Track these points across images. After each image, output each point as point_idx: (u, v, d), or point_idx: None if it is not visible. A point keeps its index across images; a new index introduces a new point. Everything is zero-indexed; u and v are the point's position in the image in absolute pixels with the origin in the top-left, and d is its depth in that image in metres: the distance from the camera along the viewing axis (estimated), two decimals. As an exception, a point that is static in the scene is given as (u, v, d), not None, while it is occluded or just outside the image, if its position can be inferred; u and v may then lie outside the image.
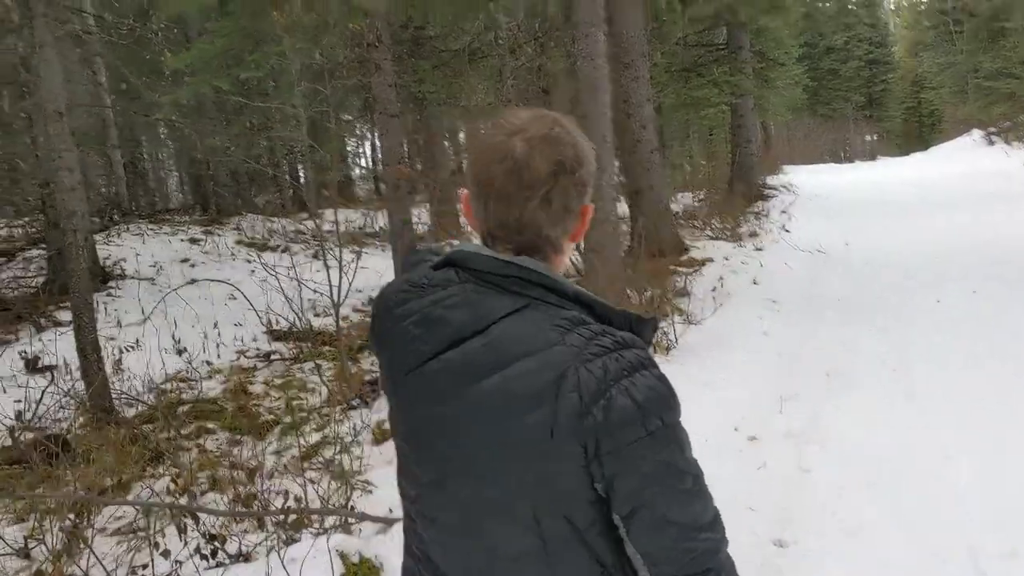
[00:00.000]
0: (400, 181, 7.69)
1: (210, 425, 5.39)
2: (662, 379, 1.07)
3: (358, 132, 20.99)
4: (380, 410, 5.21)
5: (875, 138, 52.02)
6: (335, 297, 5.91)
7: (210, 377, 6.76)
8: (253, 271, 9.71)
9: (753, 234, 10.96)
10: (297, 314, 7.38)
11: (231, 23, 7.30)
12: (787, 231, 11.17)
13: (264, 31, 6.88)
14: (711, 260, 9.24)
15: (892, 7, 63.91)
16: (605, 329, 1.08)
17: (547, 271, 1.12)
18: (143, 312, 8.42)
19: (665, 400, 1.06)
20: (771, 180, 17.78)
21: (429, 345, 1.13)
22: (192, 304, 8.52)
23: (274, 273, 6.65)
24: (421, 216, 13.41)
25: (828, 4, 51.82)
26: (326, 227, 11.18)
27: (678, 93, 13.62)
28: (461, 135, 17.73)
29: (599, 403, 1.02)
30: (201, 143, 10.23)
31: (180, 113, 10.73)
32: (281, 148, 13.10)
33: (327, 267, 6.87)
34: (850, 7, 51.96)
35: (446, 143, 17.17)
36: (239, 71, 6.62)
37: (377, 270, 8.96)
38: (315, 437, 4.78)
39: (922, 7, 43.57)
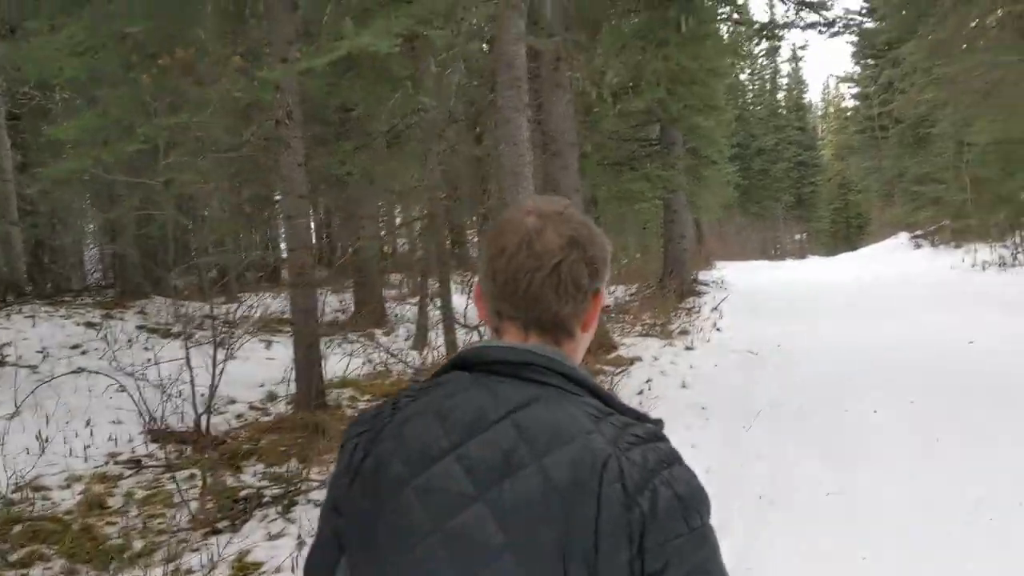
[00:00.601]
0: (305, 267, 7.08)
1: (47, 549, 4.55)
2: (696, 476, 1.01)
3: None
4: (248, 535, 4.47)
5: (804, 237, 53.45)
6: (201, 393, 5.19)
7: (68, 485, 5.89)
8: (149, 360, 8.88)
9: (684, 332, 10.57)
10: (195, 411, 6.59)
11: (127, 92, 6.71)
12: (718, 330, 10.82)
13: (160, 100, 6.30)
14: (639, 359, 8.77)
15: (820, 113, 66.85)
16: (629, 421, 1.01)
17: (565, 359, 1.05)
18: (15, 403, 7.51)
19: (704, 497, 1.00)
20: (703, 276, 17.65)
21: (443, 440, 1.00)
22: (72, 396, 7.66)
23: (135, 372, 5.89)
24: (345, 302, 12.77)
25: (759, 108, 54.02)
26: (240, 312, 10.43)
27: (610, 187, 13.44)
28: (392, 217, 17.29)
29: (644, 494, 0.94)
30: (99, 217, 9.49)
31: (81, 185, 10.00)
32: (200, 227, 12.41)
33: (213, 359, 6.17)
34: (780, 111, 54.14)
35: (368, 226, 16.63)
36: (127, 144, 6.01)
37: (284, 362, 8.25)
38: (160, 572, 3.99)
39: (849, 113, 45.39)
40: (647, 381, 7.75)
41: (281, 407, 7.55)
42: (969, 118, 18.94)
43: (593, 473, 0.94)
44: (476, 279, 1.14)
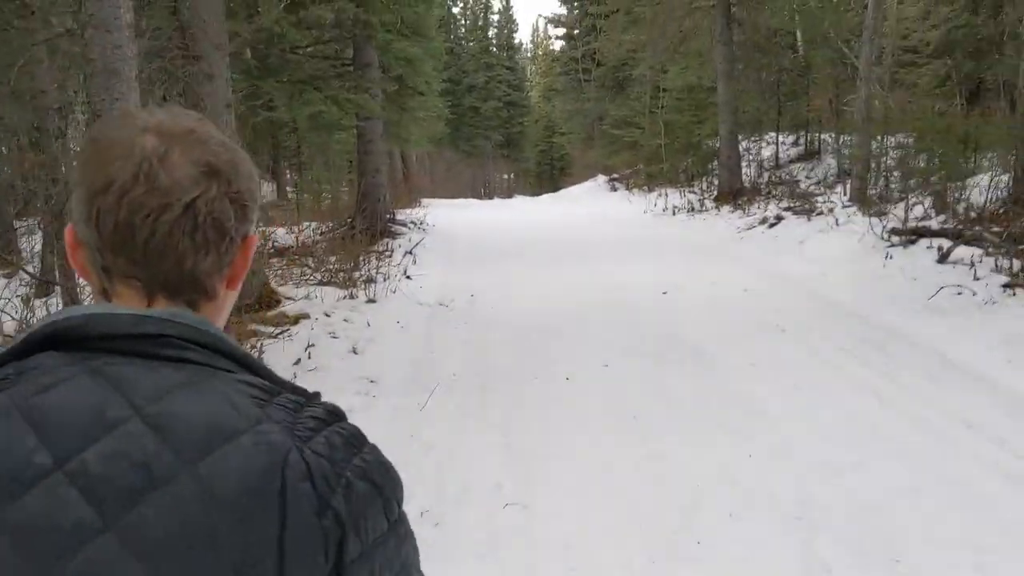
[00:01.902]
0: None
1: None
2: (382, 454, 0.81)
3: None
4: None
5: (512, 176, 54.46)
6: None
7: None
8: None
9: (369, 280, 9.18)
10: None
11: None
12: (408, 277, 9.57)
13: None
14: (307, 317, 7.25)
15: (529, 55, 68.15)
16: (299, 399, 0.78)
17: (208, 325, 0.79)
18: None
19: (398, 480, 0.81)
20: (405, 215, 16.39)
21: (41, 454, 0.69)
22: None
23: None
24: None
25: (471, 44, 53.60)
26: None
27: (291, 108, 11.57)
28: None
29: (337, 493, 0.73)
30: None
31: None
32: None
33: None
34: (491, 49, 54.15)
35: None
36: None
37: None
38: None
39: (556, 55, 46.24)
40: (309, 347, 6.27)
41: None
42: (665, 63, 19.25)
43: (272, 476, 0.71)
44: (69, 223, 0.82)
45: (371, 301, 8.18)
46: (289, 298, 7.87)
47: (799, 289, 8.76)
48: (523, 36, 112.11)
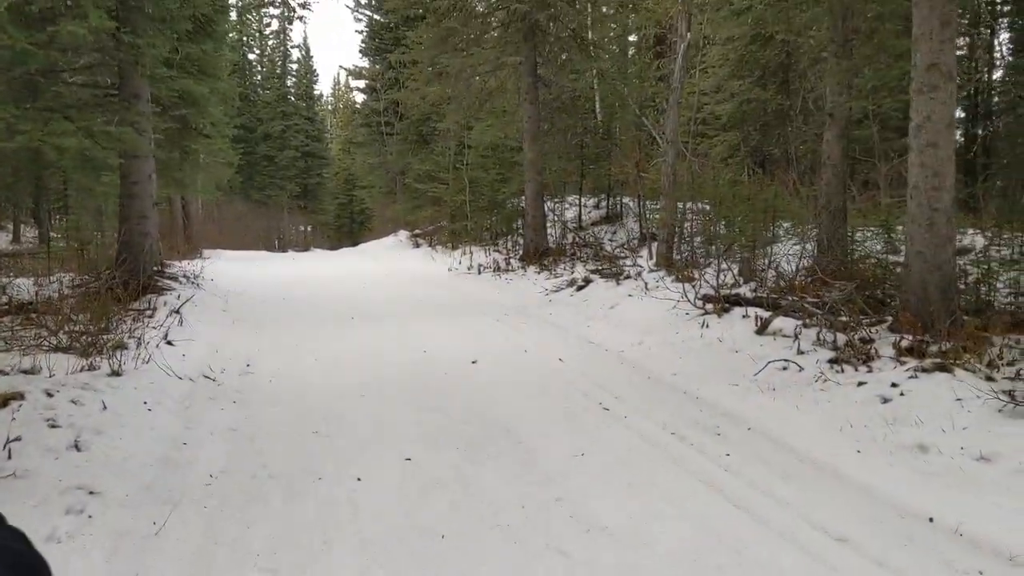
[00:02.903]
0: None
1: None
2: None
3: None
4: None
5: (309, 229, 52.31)
6: None
7: None
8: None
9: (120, 346, 7.52)
10: None
11: None
12: (170, 343, 7.98)
13: None
14: (19, 397, 5.58)
15: (330, 108, 66.63)
16: None
17: None
18: None
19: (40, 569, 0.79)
20: (181, 267, 14.51)
21: None
22: None
23: None
24: None
25: (268, 91, 51.47)
26: None
27: (28, 132, 9.65)
28: None
29: None
30: None
31: None
32: None
33: None
34: (289, 98, 52.25)
35: None
36: None
37: None
38: None
39: (357, 107, 45.12)
40: (11, 441, 4.67)
41: None
42: (470, 119, 18.70)
43: None
44: None
45: (115, 374, 6.57)
46: (0, 371, 6.11)
47: (617, 360, 8.08)
48: (324, 87, 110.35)
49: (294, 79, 54.21)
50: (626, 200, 18.23)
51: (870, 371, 6.38)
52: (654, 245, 13.14)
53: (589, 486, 4.59)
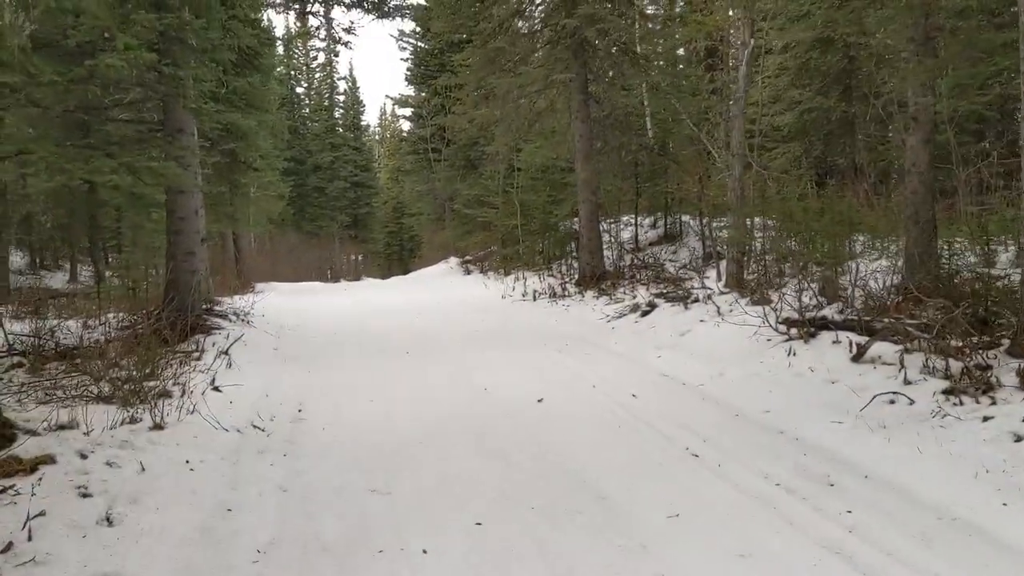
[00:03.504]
0: None
1: None
2: None
3: None
4: None
5: (360, 258, 52.37)
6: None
7: None
8: None
9: (164, 394, 7.07)
10: None
11: None
12: (217, 389, 7.51)
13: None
14: (50, 461, 5.11)
15: (377, 137, 67.04)
16: None
17: None
18: None
19: None
20: (233, 303, 14.16)
21: None
22: None
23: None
24: None
25: (316, 124, 51.87)
26: None
27: (70, 171, 9.37)
28: None
29: None
30: None
31: None
32: None
33: None
34: (337, 129, 52.59)
35: None
36: None
37: None
38: None
39: (404, 135, 45.09)
40: (34, 516, 4.17)
41: None
42: (519, 141, 18.20)
43: None
44: None
45: (157, 427, 6.09)
46: (31, 431, 5.66)
47: (697, 395, 7.37)
48: (370, 118, 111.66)
49: (341, 110, 54.60)
50: (685, 218, 17.49)
51: (993, 403, 5.59)
52: (722, 265, 12.39)
53: (693, 557, 3.91)
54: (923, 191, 9.40)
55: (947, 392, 5.93)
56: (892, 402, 6.05)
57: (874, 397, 6.06)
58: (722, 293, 11.38)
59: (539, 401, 7.28)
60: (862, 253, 10.68)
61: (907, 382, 6.27)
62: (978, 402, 5.68)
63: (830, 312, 8.87)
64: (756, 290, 11.05)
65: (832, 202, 11.89)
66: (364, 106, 73.01)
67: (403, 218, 44.21)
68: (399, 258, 48.03)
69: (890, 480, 4.78)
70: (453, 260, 26.49)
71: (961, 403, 5.72)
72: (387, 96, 77.02)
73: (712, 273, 13.01)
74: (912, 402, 5.93)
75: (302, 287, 26.41)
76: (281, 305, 17.13)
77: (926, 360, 6.46)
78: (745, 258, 11.89)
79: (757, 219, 12.41)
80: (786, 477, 4.99)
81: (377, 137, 67.94)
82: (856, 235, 10.87)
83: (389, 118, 66.30)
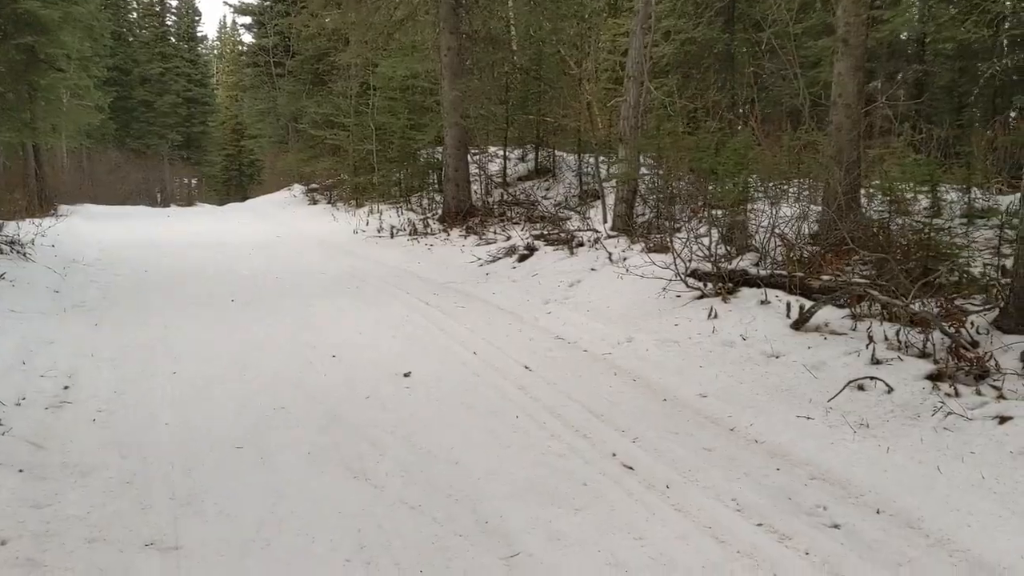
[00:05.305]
0: None
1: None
2: None
3: None
4: None
5: (195, 182, 48.12)
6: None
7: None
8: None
9: None
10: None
11: None
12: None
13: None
14: None
15: (216, 53, 61.50)
16: None
17: None
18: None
19: None
20: (14, 230, 11.41)
21: None
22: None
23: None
24: None
25: (144, 31, 46.58)
26: None
27: None
28: None
29: None
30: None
31: None
32: None
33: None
34: (169, 38, 47.61)
35: None
36: None
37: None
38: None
39: (244, 48, 40.99)
40: None
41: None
42: (375, 55, 15.96)
43: None
44: None
45: None
46: None
47: (605, 367, 5.83)
48: (209, 30, 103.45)
49: (175, 18, 49.34)
50: (560, 153, 15.93)
51: (1000, 394, 4.35)
52: (609, 204, 10.93)
53: None
54: (849, 126, 8.19)
55: (933, 378, 4.66)
56: (861, 388, 4.73)
57: (847, 384, 4.70)
58: (610, 236, 9.94)
59: (406, 375, 5.54)
60: (769, 196, 9.47)
61: (875, 361, 4.97)
62: (979, 393, 4.43)
63: (746, 264, 7.53)
64: (648, 235, 9.67)
65: (729, 138, 10.63)
66: (200, 15, 67.05)
67: (243, 140, 40.45)
68: (238, 184, 44.27)
69: (910, 515, 3.38)
70: (297, 188, 23.92)
71: (957, 393, 4.45)
72: (226, 3, 70.46)
73: (595, 214, 11.54)
74: (890, 389, 4.61)
75: (121, 211, 23.19)
76: (85, 233, 14.40)
77: (898, 333, 5.17)
78: (636, 198, 10.46)
79: (645, 157, 11.01)
80: (764, 508, 3.52)
81: (216, 52, 62.38)
82: (757, 176, 9.65)
83: (229, 31, 60.88)
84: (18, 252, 9.20)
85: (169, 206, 36.08)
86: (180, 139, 46.05)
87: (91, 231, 14.96)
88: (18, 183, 20.12)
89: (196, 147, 47.58)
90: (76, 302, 7.82)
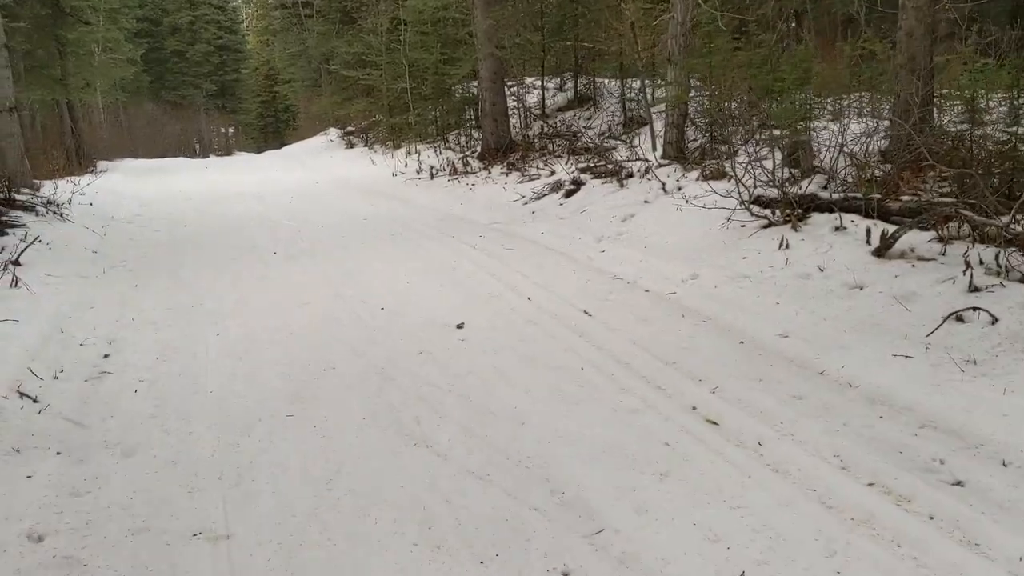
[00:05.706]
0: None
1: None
2: None
3: None
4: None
5: (231, 131, 48.01)
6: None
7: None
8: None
9: None
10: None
11: None
12: (-20, 327, 5.08)
13: None
14: None
15: (244, -1, 60.63)
16: None
17: None
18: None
19: None
20: (52, 190, 11.24)
21: None
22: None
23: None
24: None
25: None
26: None
27: None
28: None
29: None
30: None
31: None
32: None
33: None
34: (195, -16, 46.93)
35: None
36: None
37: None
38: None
39: (270, -10, 40.24)
40: None
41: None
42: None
43: None
44: None
45: None
46: None
47: (671, 309, 5.44)
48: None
49: (199, -38, 48.54)
50: (600, 80, 15.25)
51: (1122, 324, 3.87)
52: (657, 130, 10.35)
53: None
54: (922, 31, 7.50)
55: (1044, 306, 4.19)
56: (960, 319, 4.27)
57: (947, 317, 4.24)
58: (661, 165, 9.40)
59: (459, 327, 5.21)
60: (833, 112, 8.85)
61: (974, 288, 4.49)
62: (1101, 323, 3.96)
63: (814, 188, 7.01)
64: (702, 161, 9.12)
65: (782, 52, 9.95)
66: (226, -41, 65.99)
67: (276, 86, 39.97)
68: (274, 130, 43.97)
69: (1052, 474, 2.98)
70: (333, 132, 23.52)
71: (1076, 324, 3.98)
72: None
73: (641, 141, 10.97)
74: (995, 320, 4.16)
75: (160, 164, 23.02)
76: (124, 189, 14.23)
77: (999, 258, 4.68)
78: (687, 122, 9.88)
79: (694, 78, 10.38)
80: (877, 466, 3.13)
81: (244, -2, 61.50)
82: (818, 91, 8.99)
83: (255, -26, 59.80)
84: (54, 213, 9.00)
85: (208, 157, 35.95)
86: (214, 88, 45.77)
87: (130, 186, 14.80)
88: (55, 141, 20.05)
89: (231, 95, 47.27)
90: (115, 262, 7.61)
